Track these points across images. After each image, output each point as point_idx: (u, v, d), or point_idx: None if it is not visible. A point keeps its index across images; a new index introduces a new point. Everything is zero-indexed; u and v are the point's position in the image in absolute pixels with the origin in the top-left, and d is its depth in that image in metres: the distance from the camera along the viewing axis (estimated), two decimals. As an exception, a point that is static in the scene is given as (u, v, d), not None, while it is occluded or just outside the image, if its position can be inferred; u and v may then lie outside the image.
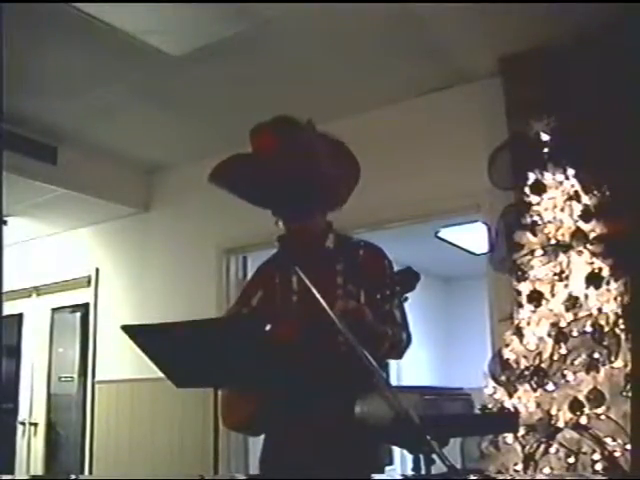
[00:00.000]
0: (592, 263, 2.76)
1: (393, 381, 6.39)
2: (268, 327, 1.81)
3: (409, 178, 3.90)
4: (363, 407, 1.44)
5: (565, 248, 2.80)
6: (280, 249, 2.09)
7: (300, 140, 1.98)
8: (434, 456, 1.28)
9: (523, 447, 2.59)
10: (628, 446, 2.42)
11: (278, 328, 1.87)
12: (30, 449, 5.69)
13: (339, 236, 2.19)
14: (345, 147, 2.11)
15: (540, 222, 2.90)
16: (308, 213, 2.08)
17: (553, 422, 2.57)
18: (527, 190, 2.99)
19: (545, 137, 3.00)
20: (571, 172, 2.95)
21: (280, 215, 2.08)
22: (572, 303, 2.70)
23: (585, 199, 2.89)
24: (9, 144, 3.94)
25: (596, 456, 2.44)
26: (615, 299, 2.70)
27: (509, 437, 2.62)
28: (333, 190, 2.10)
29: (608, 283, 2.73)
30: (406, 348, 2.08)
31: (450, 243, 5.78)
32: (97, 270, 5.42)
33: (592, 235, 2.81)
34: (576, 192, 2.92)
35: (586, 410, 2.52)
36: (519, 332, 2.82)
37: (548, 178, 2.97)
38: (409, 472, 1.37)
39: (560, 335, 2.66)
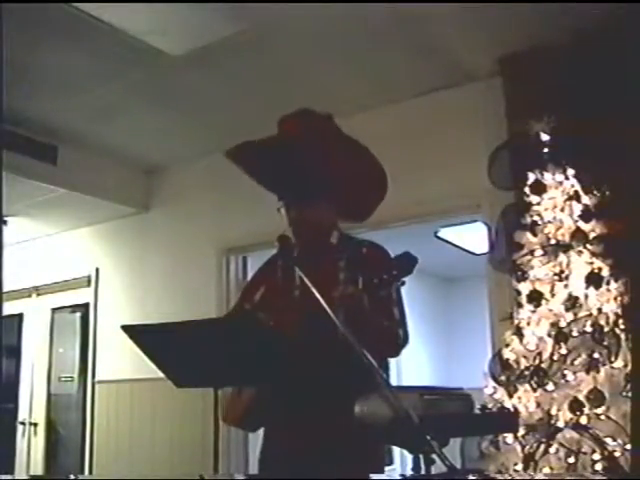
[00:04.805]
0: (592, 263, 2.76)
1: (393, 381, 6.38)
2: (268, 322, 1.81)
3: (409, 178, 3.89)
4: (363, 407, 1.44)
5: (565, 248, 2.80)
6: (280, 249, 2.09)
7: (322, 127, 2.00)
8: (434, 456, 1.28)
9: (523, 447, 2.59)
10: (628, 446, 2.42)
11: (278, 322, 1.87)
12: (30, 449, 5.68)
13: (344, 234, 2.20)
14: (370, 153, 2.12)
15: (540, 222, 2.90)
16: (312, 201, 2.09)
17: (553, 422, 2.57)
18: (527, 190, 2.99)
19: (545, 137, 3.00)
20: (571, 172, 2.95)
21: (285, 199, 2.09)
22: (572, 303, 2.70)
23: (585, 199, 2.89)
24: (9, 144, 3.94)
25: (596, 456, 2.44)
26: (615, 299, 2.69)
27: (509, 437, 2.62)
28: (347, 188, 2.11)
29: (608, 283, 2.72)
30: (402, 346, 2.07)
31: (450, 243, 5.78)
32: (97, 270, 5.42)
33: (592, 235, 2.81)
34: (576, 192, 2.91)
35: (586, 410, 2.52)
36: (519, 332, 2.81)
37: (548, 178, 2.97)
38: (409, 472, 1.37)
39: (560, 335, 2.66)
